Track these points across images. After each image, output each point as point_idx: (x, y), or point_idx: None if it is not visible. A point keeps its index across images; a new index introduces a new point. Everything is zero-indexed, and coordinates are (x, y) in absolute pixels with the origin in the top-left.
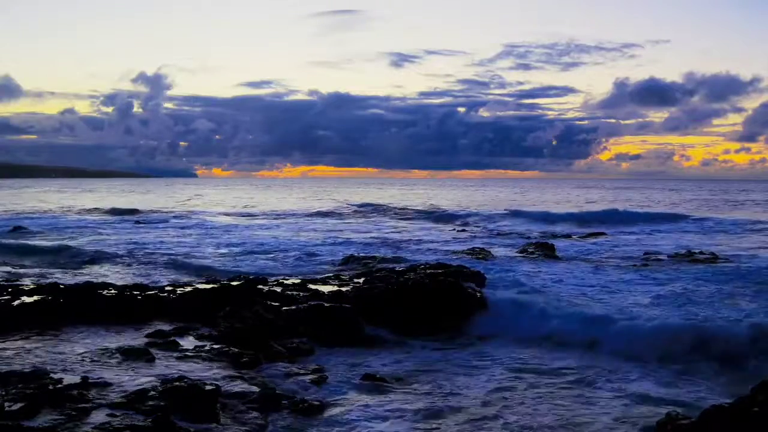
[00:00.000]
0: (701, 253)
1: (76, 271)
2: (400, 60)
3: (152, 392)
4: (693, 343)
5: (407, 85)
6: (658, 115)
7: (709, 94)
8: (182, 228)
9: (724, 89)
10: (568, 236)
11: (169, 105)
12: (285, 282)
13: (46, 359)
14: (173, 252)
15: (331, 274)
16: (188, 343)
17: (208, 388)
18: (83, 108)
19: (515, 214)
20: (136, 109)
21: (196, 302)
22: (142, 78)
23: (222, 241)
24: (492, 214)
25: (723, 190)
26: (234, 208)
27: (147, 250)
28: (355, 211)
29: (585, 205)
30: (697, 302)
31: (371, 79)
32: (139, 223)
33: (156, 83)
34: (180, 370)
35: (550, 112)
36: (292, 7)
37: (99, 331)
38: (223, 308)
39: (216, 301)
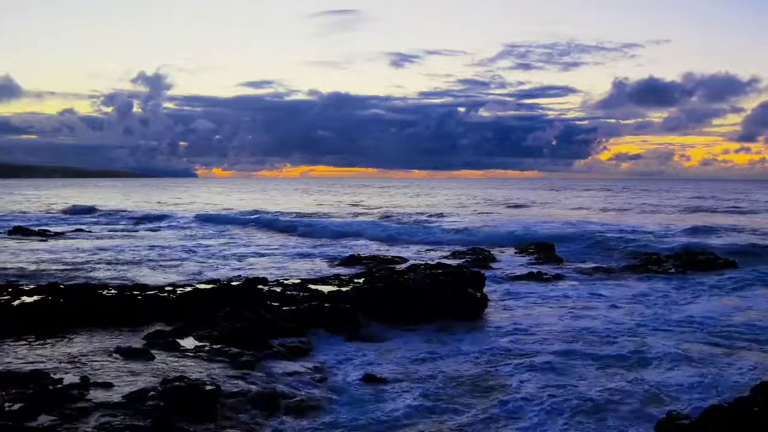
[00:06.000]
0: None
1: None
2: (400, 60)
3: (152, 392)
4: None
5: (407, 85)
6: (657, 115)
7: (708, 94)
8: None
9: (722, 89)
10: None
11: (169, 105)
12: (285, 282)
13: (46, 359)
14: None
15: (331, 275)
16: (188, 343)
17: (208, 388)
18: (83, 108)
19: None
20: (136, 109)
21: (196, 302)
22: (142, 78)
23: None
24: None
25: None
26: None
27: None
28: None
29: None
30: None
31: (371, 79)
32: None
33: (156, 83)
34: (180, 370)
35: (550, 112)
36: (292, 7)
37: (99, 331)
38: (223, 308)
39: (216, 301)
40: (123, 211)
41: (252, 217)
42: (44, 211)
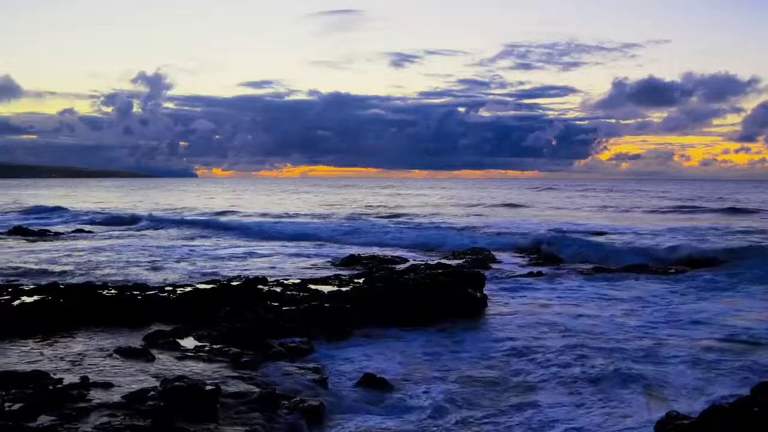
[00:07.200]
0: None
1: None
2: (400, 60)
3: (152, 392)
4: None
5: (407, 85)
6: (657, 115)
7: (708, 94)
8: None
9: (722, 89)
10: None
11: (169, 105)
12: (285, 282)
13: (46, 360)
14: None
15: (331, 275)
16: (188, 343)
17: (208, 388)
18: (83, 108)
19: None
20: (136, 109)
21: (196, 302)
22: (142, 78)
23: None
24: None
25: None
26: None
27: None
28: None
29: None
30: None
31: (371, 79)
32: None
33: (156, 83)
34: (180, 370)
35: (550, 112)
36: (292, 7)
37: (99, 331)
38: (223, 308)
39: (216, 301)
40: (90, 212)
41: (207, 218)
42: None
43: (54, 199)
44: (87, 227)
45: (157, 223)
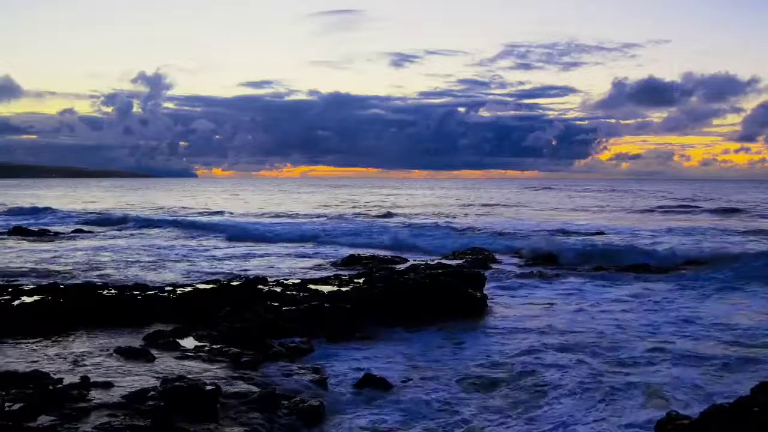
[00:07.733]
0: None
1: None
2: (400, 60)
3: (152, 392)
4: None
5: (407, 85)
6: (657, 115)
7: (708, 94)
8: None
9: (722, 89)
10: None
11: (169, 105)
12: (285, 282)
13: (46, 360)
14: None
15: (331, 275)
16: (188, 343)
17: (208, 388)
18: (83, 108)
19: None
20: (136, 109)
21: (196, 302)
22: (142, 78)
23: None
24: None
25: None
26: None
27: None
28: None
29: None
30: None
31: (371, 79)
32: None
33: (156, 83)
34: (180, 370)
35: (550, 112)
36: (292, 7)
37: (99, 331)
38: (223, 308)
39: (216, 301)
40: (83, 212)
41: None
42: None
43: (47, 200)
44: (86, 227)
45: (149, 222)
